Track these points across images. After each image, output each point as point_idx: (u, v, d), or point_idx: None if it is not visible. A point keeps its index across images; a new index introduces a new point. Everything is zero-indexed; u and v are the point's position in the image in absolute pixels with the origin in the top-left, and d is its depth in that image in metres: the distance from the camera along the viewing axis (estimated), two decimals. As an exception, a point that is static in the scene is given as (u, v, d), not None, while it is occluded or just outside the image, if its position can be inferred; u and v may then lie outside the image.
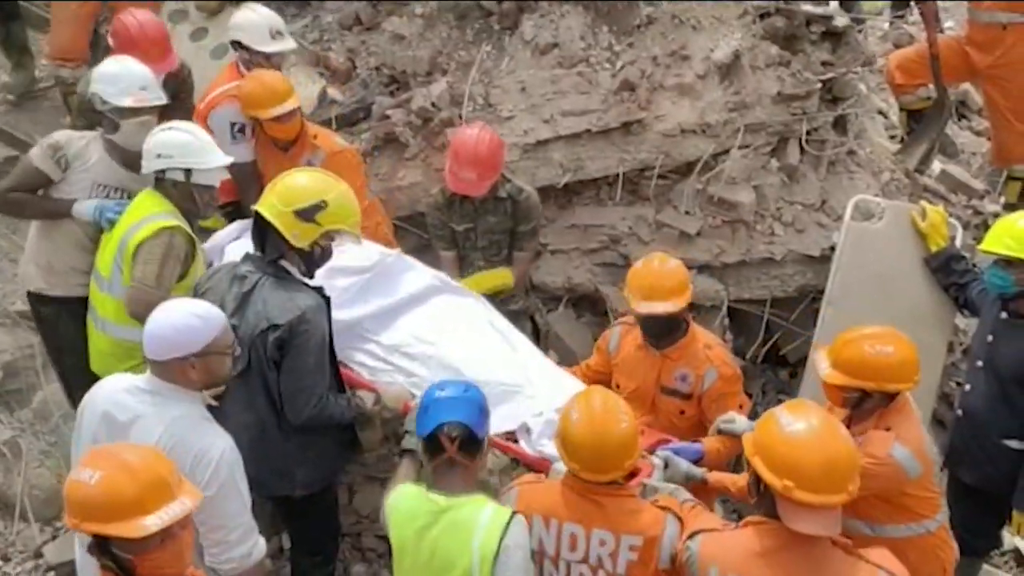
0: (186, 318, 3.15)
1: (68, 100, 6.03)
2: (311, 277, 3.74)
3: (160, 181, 4.08)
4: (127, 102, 4.35)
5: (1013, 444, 4.09)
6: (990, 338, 4.18)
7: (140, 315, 3.80)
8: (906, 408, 3.60)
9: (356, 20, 6.18)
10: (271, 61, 5.09)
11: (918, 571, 3.14)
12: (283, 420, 3.69)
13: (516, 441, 3.84)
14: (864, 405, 3.54)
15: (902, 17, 8.38)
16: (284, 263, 3.69)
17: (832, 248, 5.08)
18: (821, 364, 3.59)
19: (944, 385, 5.11)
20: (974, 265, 4.82)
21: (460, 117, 5.36)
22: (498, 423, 3.64)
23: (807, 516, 2.71)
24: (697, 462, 3.79)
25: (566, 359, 4.86)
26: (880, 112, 7.10)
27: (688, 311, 4.18)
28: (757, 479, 2.81)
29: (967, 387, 4.30)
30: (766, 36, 5.40)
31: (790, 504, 2.72)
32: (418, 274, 4.31)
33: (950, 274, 4.72)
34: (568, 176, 5.31)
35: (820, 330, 4.85)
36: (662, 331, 4.12)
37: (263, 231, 3.71)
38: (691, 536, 2.96)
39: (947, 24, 7.61)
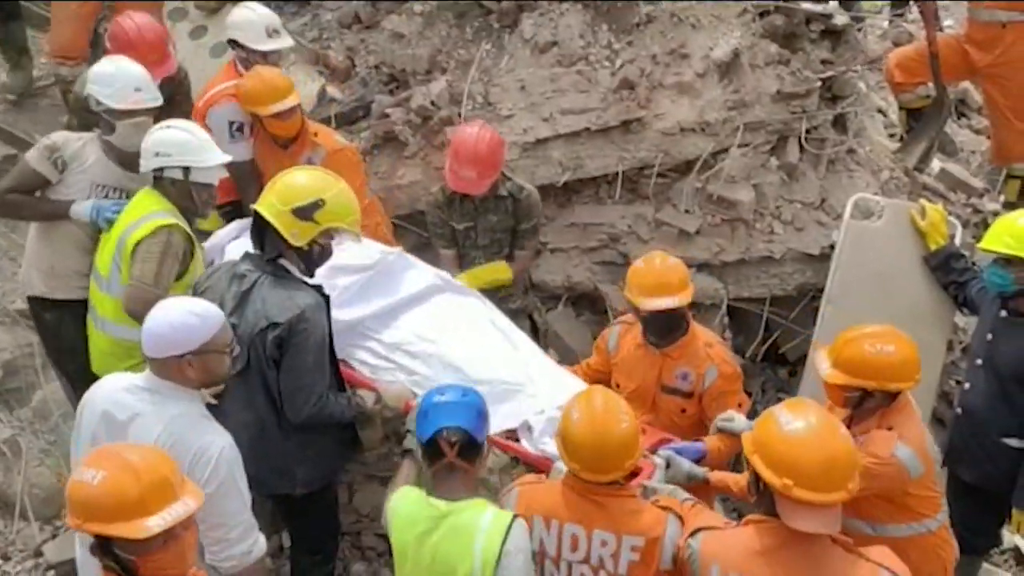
0: (184, 316, 3.15)
1: (67, 98, 6.01)
2: (311, 276, 3.74)
3: (158, 180, 4.08)
4: (122, 104, 4.34)
5: (1013, 442, 4.09)
6: (989, 336, 4.19)
7: (138, 314, 3.79)
8: (908, 407, 3.60)
9: (355, 18, 6.18)
10: (268, 60, 5.09)
11: (919, 570, 3.14)
12: (283, 419, 3.69)
13: (517, 440, 3.84)
14: (865, 404, 3.54)
15: (901, 15, 8.38)
16: (283, 262, 3.69)
17: (832, 246, 5.09)
18: (822, 364, 3.59)
19: (944, 383, 5.12)
20: (973, 263, 4.82)
21: (459, 116, 5.36)
22: (500, 422, 3.65)
23: (806, 514, 2.71)
24: (699, 461, 3.79)
25: (566, 358, 4.86)
26: (879, 110, 7.10)
27: (689, 309, 4.18)
28: (757, 477, 2.81)
29: (967, 385, 4.30)
30: (765, 34, 5.40)
31: (789, 502, 2.72)
32: (419, 273, 4.31)
33: (949, 272, 4.72)
34: (567, 175, 5.31)
35: (820, 328, 4.85)
36: (666, 328, 4.12)
37: (262, 230, 3.71)
38: (693, 534, 2.96)
39: (946, 22, 7.59)
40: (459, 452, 3.07)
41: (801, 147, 5.44)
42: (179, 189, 4.06)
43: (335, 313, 3.86)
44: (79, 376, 4.31)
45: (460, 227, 4.84)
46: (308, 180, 3.71)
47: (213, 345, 3.16)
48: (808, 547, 2.75)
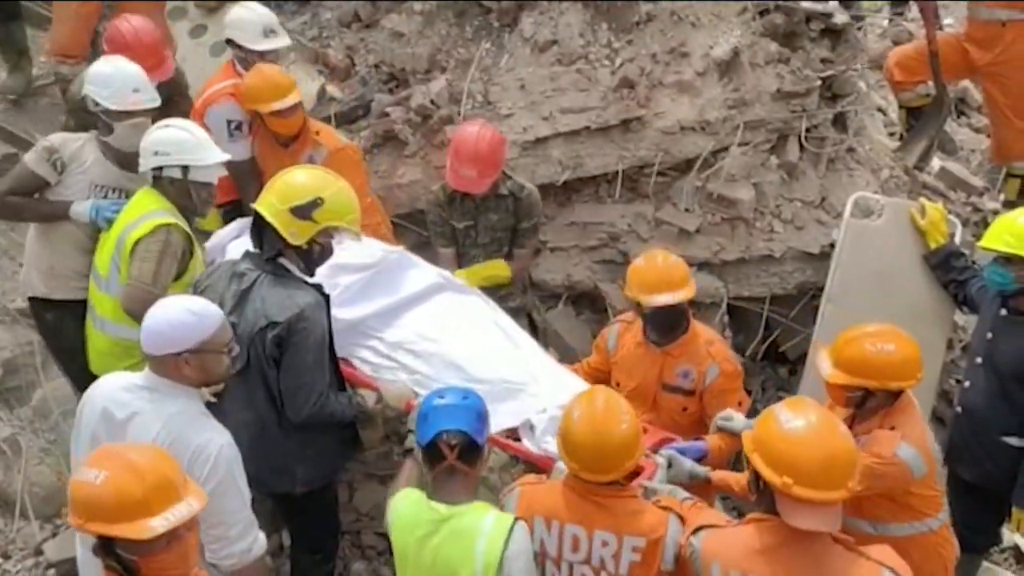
0: (181, 314, 3.15)
1: (67, 98, 6.02)
2: (311, 275, 3.73)
3: (157, 179, 4.07)
4: (120, 106, 4.34)
5: (1012, 441, 4.09)
6: (989, 335, 4.19)
7: (136, 313, 3.79)
8: (910, 406, 3.60)
9: (355, 17, 6.18)
10: (265, 59, 5.09)
11: (921, 569, 3.15)
12: (283, 418, 3.69)
13: (519, 439, 3.84)
14: (867, 404, 3.54)
15: (901, 14, 8.38)
16: (283, 261, 3.68)
17: (831, 245, 5.09)
18: (823, 364, 3.59)
19: (943, 382, 5.12)
20: (973, 262, 4.82)
21: (459, 114, 5.36)
22: (502, 420, 3.65)
23: (806, 512, 2.71)
24: (700, 460, 3.79)
25: (565, 356, 4.86)
26: (879, 109, 7.10)
27: (689, 307, 4.18)
28: (757, 476, 2.81)
29: (966, 384, 4.30)
30: (765, 33, 5.40)
31: (789, 500, 2.72)
32: (421, 272, 4.30)
33: (949, 271, 4.72)
34: (567, 173, 5.31)
35: (820, 327, 4.85)
36: (669, 325, 4.13)
37: (261, 229, 3.70)
38: (694, 532, 2.96)
39: (946, 21, 7.59)
40: (459, 455, 3.06)
41: (801, 146, 5.44)
42: (178, 188, 4.06)
43: (337, 312, 3.85)
44: (81, 376, 4.31)
45: (460, 226, 4.84)
46: (307, 179, 3.70)
47: (211, 344, 3.15)
48: (808, 545, 2.75)
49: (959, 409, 4.31)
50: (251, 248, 3.78)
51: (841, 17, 5.54)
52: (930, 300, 4.81)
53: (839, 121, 5.65)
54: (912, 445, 3.49)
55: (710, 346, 4.18)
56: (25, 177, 4.33)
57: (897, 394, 3.54)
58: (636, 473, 3.37)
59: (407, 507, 3.14)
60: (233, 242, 4.27)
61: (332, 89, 5.83)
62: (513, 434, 3.84)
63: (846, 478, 2.72)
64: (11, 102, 6.52)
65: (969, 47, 6.26)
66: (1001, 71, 6.25)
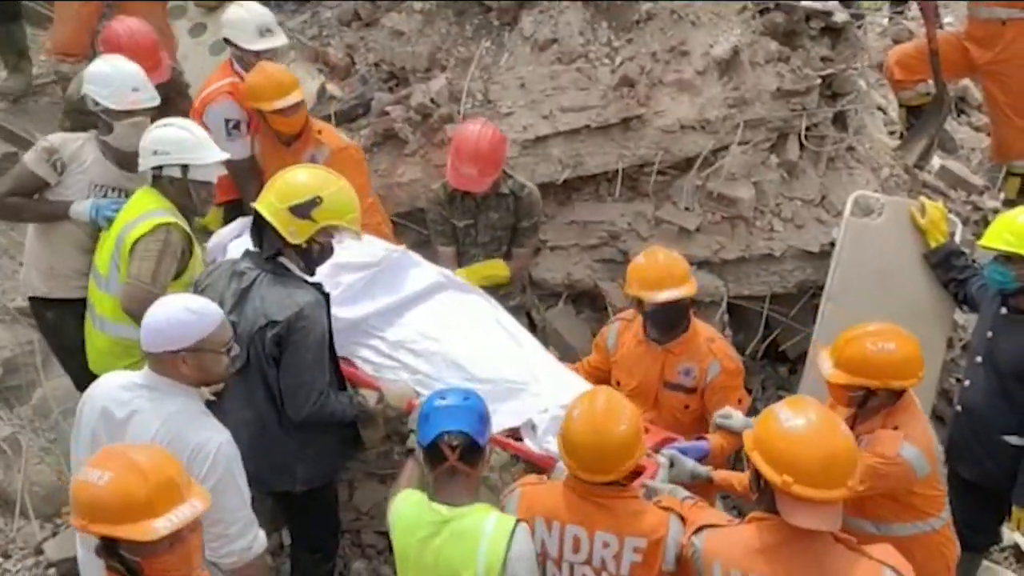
0: (180, 312, 3.15)
1: (64, 98, 6.02)
2: (311, 274, 3.72)
3: (157, 178, 4.07)
4: (120, 105, 4.34)
5: (1013, 440, 4.09)
6: (990, 334, 4.19)
7: (135, 312, 3.79)
8: (912, 406, 3.61)
9: (355, 16, 6.18)
10: (261, 58, 5.09)
11: (924, 569, 3.15)
12: (283, 416, 3.68)
13: (520, 438, 3.83)
14: (869, 404, 3.54)
15: (901, 13, 8.38)
16: (283, 260, 3.68)
17: (832, 244, 5.09)
18: (824, 364, 3.59)
19: (943, 381, 5.12)
20: (973, 261, 4.82)
21: (459, 113, 5.35)
22: (503, 420, 3.64)
23: (806, 511, 2.71)
24: (702, 460, 3.79)
25: (566, 355, 4.86)
26: (879, 108, 7.10)
27: (690, 305, 4.19)
28: (757, 475, 2.81)
29: (966, 383, 4.30)
30: (765, 32, 5.40)
31: (789, 499, 2.72)
32: (423, 270, 4.30)
33: (949, 270, 4.72)
34: (567, 172, 5.30)
35: (820, 326, 4.85)
36: (671, 321, 4.13)
37: (261, 228, 3.70)
38: (696, 532, 2.96)
39: (946, 20, 7.60)
40: (460, 456, 3.06)
41: (801, 144, 5.43)
42: (177, 187, 4.05)
43: (339, 311, 3.85)
44: (82, 374, 4.31)
45: (461, 224, 4.84)
46: (306, 178, 3.69)
47: (209, 343, 3.14)
48: (809, 544, 2.75)
49: (959, 408, 4.31)
50: (251, 247, 3.77)
51: (841, 16, 5.54)
52: (930, 299, 4.81)
53: (839, 120, 5.65)
54: (915, 445, 3.49)
55: (711, 343, 4.18)
56: (25, 178, 4.33)
57: (899, 393, 3.54)
58: (637, 473, 3.36)
59: (408, 508, 3.14)
60: (234, 241, 4.27)
61: (332, 88, 5.83)
62: (515, 434, 3.84)
63: (846, 477, 2.72)
64: (11, 101, 6.51)
65: (969, 46, 6.26)
66: (1001, 70, 6.25)
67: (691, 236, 5.21)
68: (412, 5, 5.85)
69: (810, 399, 2.98)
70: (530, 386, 3.95)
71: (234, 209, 4.99)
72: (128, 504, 2.43)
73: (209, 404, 3.33)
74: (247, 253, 3.78)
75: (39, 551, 4.71)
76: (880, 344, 3.48)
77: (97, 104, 4.36)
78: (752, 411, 4.23)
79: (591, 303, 5.43)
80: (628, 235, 5.28)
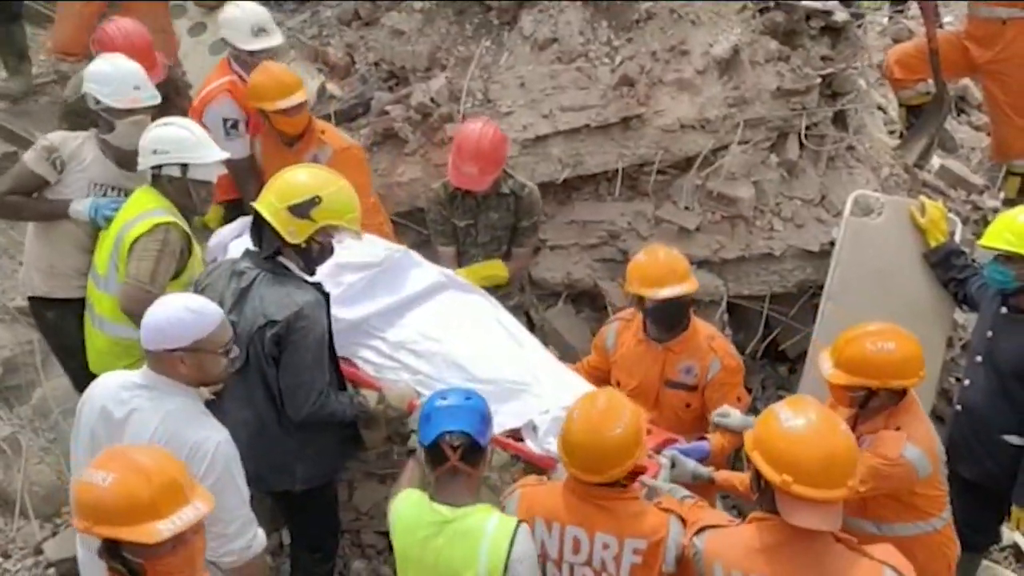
0: (179, 311, 3.14)
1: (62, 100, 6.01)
2: (311, 274, 3.72)
3: (156, 178, 4.06)
4: (121, 103, 4.34)
5: (1012, 439, 4.09)
6: (990, 333, 4.19)
7: (133, 312, 3.79)
8: (914, 406, 3.61)
9: (355, 15, 6.18)
10: (255, 58, 5.08)
11: (926, 569, 3.15)
12: (283, 416, 3.68)
13: (521, 439, 3.83)
14: (871, 404, 3.54)
15: (901, 12, 8.38)
16: (283, 259, 3.68)
17: (831, 243, 5.08)
18: (824, 364, 3.59)
19: (943, 380, 5.11)
20: (973, 260, 4.82)
21: (459, 112, 5.35)
22: (504, 421, 3.64)
23: (806, 511, 2.70)
24: (703, 461, 3.78)
25: (565, 355, 4.86)
26: (879, 107, 7.09)
27: (691, 303, 4.19)
28: (758, 475, 2.81)
29: (966, 382, 4.30)
30: (765, 31, 5.40)
31: (789, 499, 2.72)
32: (424, 271, 4.30)
33: (949, 269, 4.71)
34: (567, 171, 5.30)
35: (819, 326, 4.85)
36: (673, 319, 4.13)
37: (261, 227, 3.70)
38: (698, 533, 2.96)
39: (946, 19, 7.59)
40: (462, 456, 3.05)
41: (801, 144, 5.43)
42: (177, 187, 4.05)
43: (340, 311, 3.85)
44: (81, 374, 4.30)
45: (461, 224, 4.83)
46: (306, 177, 3.69)
47: (207, 344, 3.13)
48: (809, 544, 2.75)
49: (959, 407, 4.31)
50: (251, 246, 3.77)
51: (841, 15, 5.54)
52: (930, 298, 4.80)
53: (839, 119, 5.65)
54: (917, 446, 3.49)
55: (712, 341, 4.19)
56: (25, 176, 4.33)
57: (901, 393, 3.54)
58: (639, 472, 3.35)
59: (408, 508, 3.13)
60: (235, 240, 4.26)
61: (332, 87, 5.83)
62: (516, 434, 3.83)
63: (846, 477, 2.72)
64: (11, 103, 6.51)
65: (969, 45, 6.26)
66: (1001, 69, 6.25)
67: (691, 235, 5.21)
68: (412, 4, 5.85)
69: (810, 399, 2.98)
70: (531, 387, 3.94)
71: (234, 208, 4.99)
72: (132, 506, 2.41)
73: (209, 403, 3.33)
74: (247, 252, 3.77)
75: (39, 551, 4.71)
76: (880, 344, 3.48)
77: (98, 103, 4.36)
78: (752, 411, 4.24)
79: (591, 302, 5.43)
80: (628, 234, 5.28)
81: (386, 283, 4.16)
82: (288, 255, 3.67)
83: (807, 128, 5.39)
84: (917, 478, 3.53)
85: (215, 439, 3.09)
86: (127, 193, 4.24)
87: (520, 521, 3.05)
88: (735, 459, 4.54)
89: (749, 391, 4.55)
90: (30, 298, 4.60)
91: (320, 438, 3.78)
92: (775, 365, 5.69)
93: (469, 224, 4.82)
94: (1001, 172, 6.72)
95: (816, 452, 2.71)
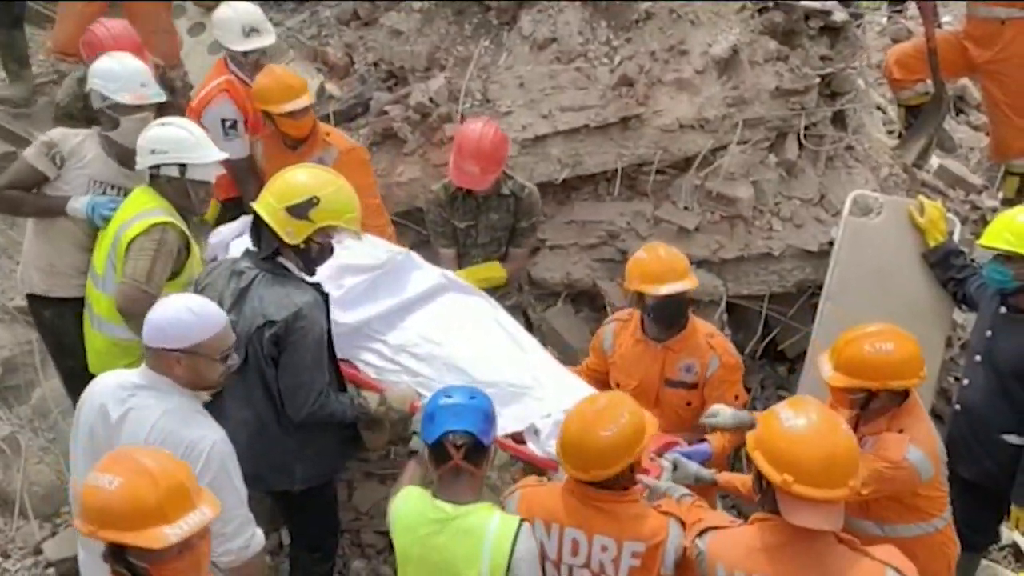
0: (182, 312, 3.13)
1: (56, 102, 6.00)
2: (311, 274, 3.71)
3: (155, 177, 4.06)
4: (127, 99, 4.34)
5: (1012, 439, 4.09)
6: (989, 333, 4.19)
7: (130, 311, 3.79)
8: (916, 408, 3.61)
9: (354, 15, 6.18)
10: (248, 59, 5.08)
11: (926, 569, 3.15)
12: (282, 416, 3.68)
13: (523, 442, 3.83)
14: (872, 405, 3.53)
15: (900, 12, 8.38)
16: (282, 260, 3.68)
17: (830, 243, 5.08)
18: (824, 367, 3.59)
19: (942, 380, 5.12)
20: (972, 260, 4.82)
21: (458, 112, 5.35)
22: (506, 424, 3.63)
23: (807, 510, 2.71)
24: (705, 462, 3.78)
25: (565, 355, 4.86)
26: (878, 107, 7.10)
27: (690, 302, 4.20)
28: (759, 475, 2.81)
29: (965, 382, 4.30)
30: (764, 31, 5.40)
31: (790, 498, 2.72)
32: (425, 273, 4.29)
33: (948, 269, 4.71)
34: (566, 172, 5.30)
35: (819, 325, 4.85)
36: (673, 316, 4.13)
37: (260, 228, 3.70)
38: (700, 534, 2.96)
39: (945, 19, 7.59)
40: (465, 455, 3.04)
41: (800, 144, 5.44)
42: (175, 187, 4.04)
43: (342, 314, 3.85)
44: (78, 373, 4.30)
45: (462, 226, 4.82)
46: (304, 178, 3.68)
47: (205, 348, 3.12)
48: (811, 544, 2.75)
49: (958, 407, 4.31)
50: (251, 246, 3.77)
51: (840, 15, 5.54)
52: (929, 298, 4.80)
53: (838, 119, 5.65)
54: (920, 447, 3.49)
55: (711, 338, 4.20)
56: (24, 171, 4.33)
57: (903, 394, 3.54)
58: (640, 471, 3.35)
59: (410, 506, 3.13)
60: (236, 239, 4.25)
61: (331, 87, 5.83)
62: (517, 437, 3.83)
63: (847, 477, 2.72)
64: (12, 108, 6.50)
65: (968, 45, 6.25)
66: (1000, 69, 6.25)
67: (690, 235, 5.21)
68: (411, 4, 5.84)
69: (812, 399, 2.98)
70: (533, 390, 3.94)
71: (234, 207, 4.99)
72: (139, 510, 2.39)
73: (208, 403, 3.32)
74: (247, 252, 3.77)
75: (38, 551, 4.71)
76: (878, 345, 3.47)
77: (105, 99, 4.36)
78: (751, 410, 4.24)
79: (590, 302, 5.43)
80: (627, 234, 5.28)
81: (387, 286, 4.15)
82: (287, 255, 3.67)
83: (806, 128, 5.39)
84: (920, 481, 3.53)
85: (211, 439, 3.08)
86: (126, 192, 4.24)
87: (522, 520, 3.06)
88: (734, 459, 4.55)
89: (748, 391, 4.54)
90: (28, 296, 4.60)
91: (319, 438, 3.78)
92: (774, 365, 5.69)
93: (470, 225, 4.82)
94: (1000, 172, 6.72)
95: (817, 452, 2.71)
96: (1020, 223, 4.02)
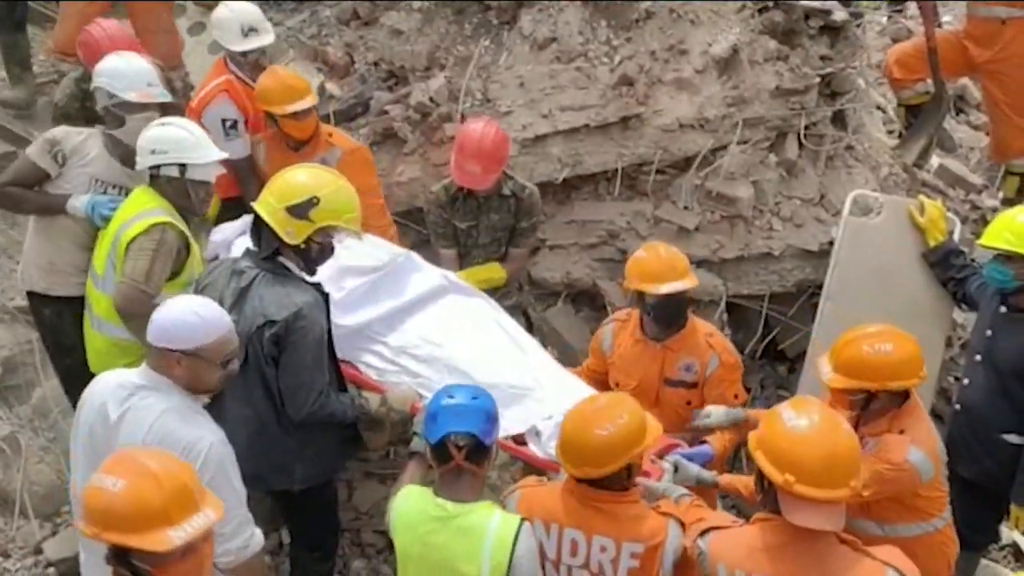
0: (187, 314, 3.13)
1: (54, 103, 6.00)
2: (311, 274, 3.71)
3: (155, 178, 4.06)
4: (134, 97, 4.35)
5: (1012, 438, 4.09)
6: (989, 332, 4.19)
7: (128, 312, 3.79)
8: (917, 409, 3.61)
9: (354, 15, 6.17)
10: (247, 59, 5.08)
11: (926, 568, 3.15)
12: (282, 415, 3.68)
13: (524, 443, 3.82)
14: (872, 406, 3.54)
15: (900, 11, 8.38)
16: (283, 259, 3.68)
17: (830, 243, 5.08)
18: (823, 368, 3.59)
19: (942, 380, 5.12)
20: (972, 260, 4.82)
21: (458, 112, 5.35)
22: (508, 426, 3.62)
23: (808, 510, 2.71)
24: (706, 464, 3.78)
25: (565, 354, 4.87)
26: (878, 107, 7.09)
27: (690, 301, 4.20)
28: (761, 475, 2.81)
29: (965, 381, 4.30)
30: (764, 30, 5.40)
31: (791, 498, 2.72)
32: (425, 275, 4.29)
33: (948, 269, 4.71)
34: (566, 171, 5.30)
35: (819, 325, 4.85)
36: (673, 315, 4.13)
37: (260, 227, 3.70)
38: (702, 535, 2.96)
39: (945, 19, 7.59)
40: (467, 456, 3.04)
41: (800, 143, 5.43)
42: (175, 187, 4.04)
43: (343, 316, 3.85)
44: (75, 373, 4.30)
45: (463, 226, 4.82)
46: (304, 178, 3.68)
47: (207, 352, 3.11)
48: (812, 544, 2.75)
49: (958, 406, 4.31)
50: (251, 246, 3.77)
51: (840, 14, 5.54)
52: (929, 298, 4.80)
53: (838, 119, 5.65)
54: (921, 449, 3.50)
55: (710, 337, 4.20)
56: (26, 168, 4.34)
57: (903, 395, 3.54)
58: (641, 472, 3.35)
59: (410, 503, 3.13)
60: (239, 238, 4.25)
61: (331, 87, 5.83)
62: (518, 438, 3.83)
63: (848, 477, 2.72)
64: (14, 112, 6.50)
65: (968, 45, 6.25)
66: (1000, 68, 6.25)
67: (690, 235, 5.21)
68: (411, 4, 5.84)
69: (814, 400, 2.99)
70: (534, 392, 3.93)
71: (235, 206, 4.98)
72: (143, 512, 2.37)
73: (208, 403, 3.32)
74: (247, 252, 3.77)
75: (38, 550, 4.71)
76: (877, 346, 3.48)
77: (112, 97, 4.36)
78: (750, 410, 4.24)
79: (590, 302, 5.43)
80: (627, 234, 5.28)
81: (388, 287, 4.15)
82: (287, 255, 3.67)
83: (806, 128, 5.39)
84: (920, 482, 3.53)
85: (208, 439, 3.07)
86: (128, 191, 4.24)
87: (523, 519, 3.06)
88: (734, 458, 4.55)
89: (748, 390, 4.54)
90: (28, 293, 4.59)
91: (320, 438, 3.78)
92: (774, 365, 5.69)
93: (471, 226, 4.81)
94: (1000, 171, 6.72)
95: (818, 452, 2.71)
96: (1020, 223, 4.02)
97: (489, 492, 3.64)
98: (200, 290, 3.73)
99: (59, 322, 4.48)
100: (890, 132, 6.85)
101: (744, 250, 5.24)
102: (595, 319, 5.27)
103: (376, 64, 5.89)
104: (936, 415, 4.87)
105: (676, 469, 3.63)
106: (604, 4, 5.47)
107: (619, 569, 3.05)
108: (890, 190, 5.54)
